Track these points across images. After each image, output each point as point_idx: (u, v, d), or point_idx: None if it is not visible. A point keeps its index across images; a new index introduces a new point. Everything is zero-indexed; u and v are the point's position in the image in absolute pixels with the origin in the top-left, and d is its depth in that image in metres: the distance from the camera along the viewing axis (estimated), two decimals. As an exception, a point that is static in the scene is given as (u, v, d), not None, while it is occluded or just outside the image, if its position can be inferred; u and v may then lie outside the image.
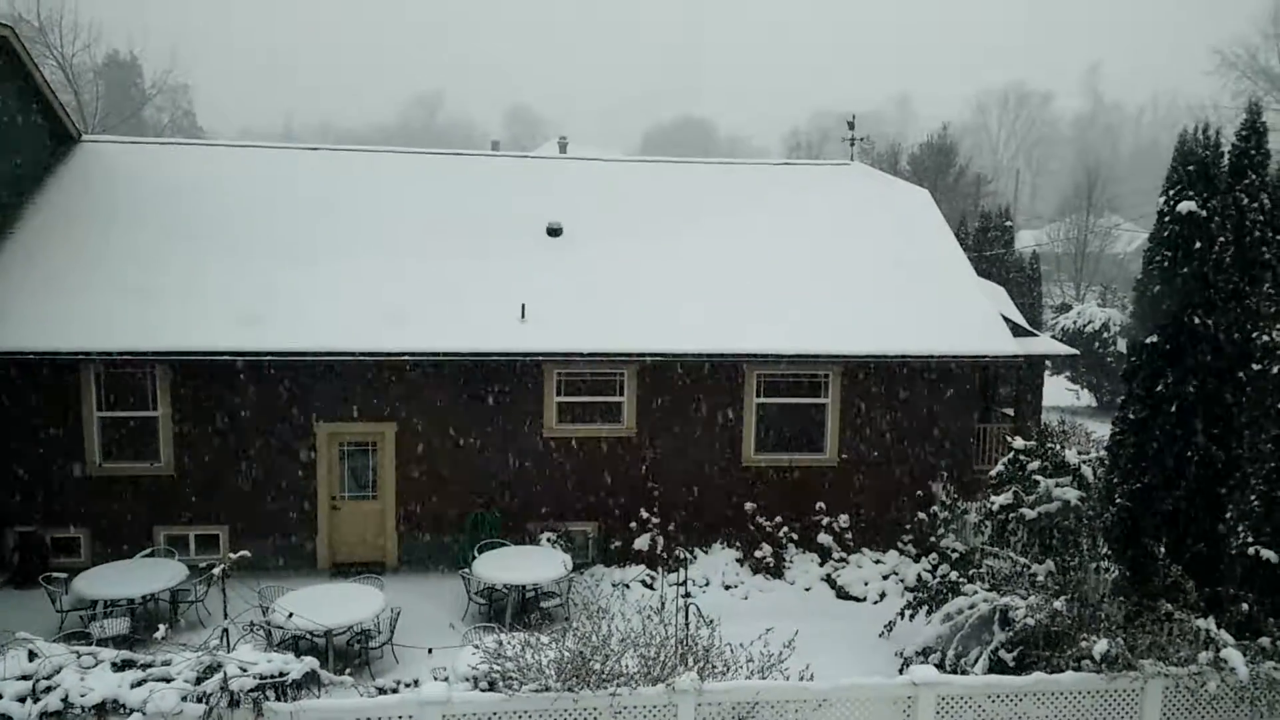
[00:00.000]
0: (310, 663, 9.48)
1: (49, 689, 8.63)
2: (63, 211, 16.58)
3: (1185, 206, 11.73)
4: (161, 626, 10.49)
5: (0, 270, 15.25)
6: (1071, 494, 12.78)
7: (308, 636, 12.01)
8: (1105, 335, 31.16)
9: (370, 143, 29.34)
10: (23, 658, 8.88)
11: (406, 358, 14.97)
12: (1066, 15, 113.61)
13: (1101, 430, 21.57)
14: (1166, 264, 11.85)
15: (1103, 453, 13.80)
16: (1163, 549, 11.38)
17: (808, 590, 15.50)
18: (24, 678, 8.69)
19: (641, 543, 15.71)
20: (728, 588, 15.41)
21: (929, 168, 51.88)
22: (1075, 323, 32.32)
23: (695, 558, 15.76)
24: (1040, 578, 11.90)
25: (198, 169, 18.18)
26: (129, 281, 15.31)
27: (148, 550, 14.72)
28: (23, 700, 8.54)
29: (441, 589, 14.83)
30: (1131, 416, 12.27)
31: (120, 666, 9.10)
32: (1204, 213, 11.67)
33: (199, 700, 8.75)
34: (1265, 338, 10.71)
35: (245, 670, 9.00)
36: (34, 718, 8.47)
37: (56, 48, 43.07)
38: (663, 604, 13.41)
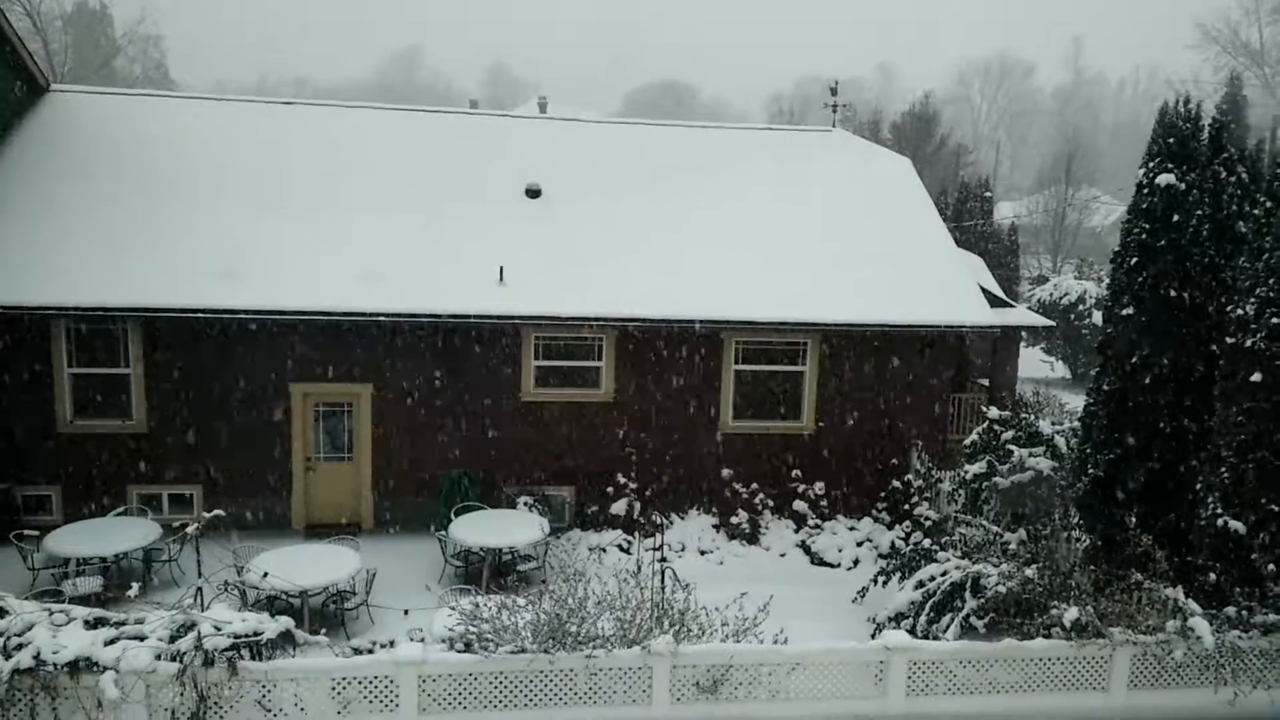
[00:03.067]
0: (285, 622, 9.49)
1: (20, 646, 8.58)
2: (31, 162, 16.22)
3: (1164, 179, 11.80)
4: (135, 585, 10.45)
5: (-32, 223, 14.94)
6: (1044, 464, 12.92)
7: (283, 597, 11.97)
8: (1081, 307, 31.35)
9: (347, 99, 28.85)
10: (-7, 615, 8.81)
11: (382, 318, 14.82)
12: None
13: (1075, 401, 21.80)
14: (1145, 236, 11.93)
15: (1076, 424, 13.96)
16: (1134, 519, 11.55)
17: (783, 556, 15.63)
18: (-5, 635, 8.63)
19: (618, 508, 15.75)
20: (703, 553, 15.50)
21: (910, 137, 51.79)
22: (1052, 295, 32.48)
23: (672, 523, 15.82)
24: (1012, 546, 12.06)
25: (171, 121, 17.82)
26: (100, 235, 15.04)
27: (120, 509, 14.59)
28: (-6, 657, 8.49)
29: (418, 551, 14.80)
30: (1105, 388, 12.41)
31: (93, 624, 9.05)
32: (1183, 186, 11.74)
33: (173, 659, 8.73)
34: (1240, 311, 10.80)
35: (220, 629, 8.99)
36: (6, 674, 8.42)
37: (23, -6, 42.06)
38: (639, 568, 13.44)
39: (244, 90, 68.65)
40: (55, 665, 8.52)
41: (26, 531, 13.22)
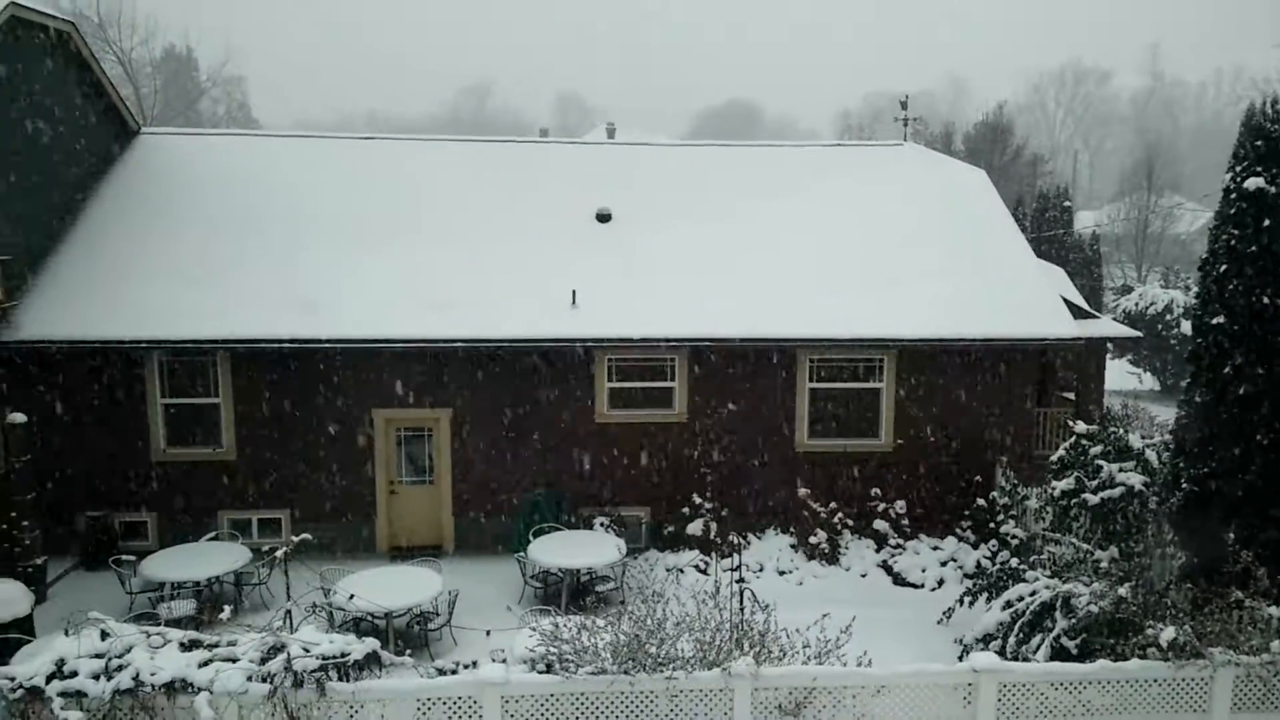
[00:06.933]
0: (372, 644, 9.64)
1: (120, 667, 8.87)
2: (124, 202, 16.94)
3: (1253, 183, 11.41)
4: (226, 608, 10.71)
5: (65, 260, 15.64)
6: (1136, 479, 12.51)
7: (368, 618, 12.19)
8: (1168, 317, 30.46)
9: (421, 131, 29.71)
10: (95, 637, 9.13)
11: (459, 344, 15.07)
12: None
13: (1165, 414, 21.11)
14: (1233, 243, 11.54)
15: (1167, 437, 13.52)
16: (1232, 535, 11.11)
17: (863, 576, 15.38)
18: (97, 656, 8.95)
19: (694, 528, 15.69)
20: (782, 573, 15.34)
21: (984, 148, 50.85)
22: (1137, 305, 31.63)
23: (749, 543, 15.71)
24: (1104, 564, 11.68)
25: (253, 158, 18.46)
26: (189, 270, 15.62)
27: (212, 534, 15.05)
28: (96, 678, 8.80)
29: (497, 572, 14.96)
30: (1197, 400, 11.99)
31: (188, 646, 9.31)
32: (1273, 189, 11.33)
33: (264, 680, 8.93)
34: (1339, 317, 10.37)
35: (308, 651, 9.17)
36: (107, 695, 8.71)
37: (115, 43, 44.05)
38: (717, 589, 13.38)
39: (323, 125, 70.76)
40: (153, 686, 8.79)
41: (124, 557, 13.73)
